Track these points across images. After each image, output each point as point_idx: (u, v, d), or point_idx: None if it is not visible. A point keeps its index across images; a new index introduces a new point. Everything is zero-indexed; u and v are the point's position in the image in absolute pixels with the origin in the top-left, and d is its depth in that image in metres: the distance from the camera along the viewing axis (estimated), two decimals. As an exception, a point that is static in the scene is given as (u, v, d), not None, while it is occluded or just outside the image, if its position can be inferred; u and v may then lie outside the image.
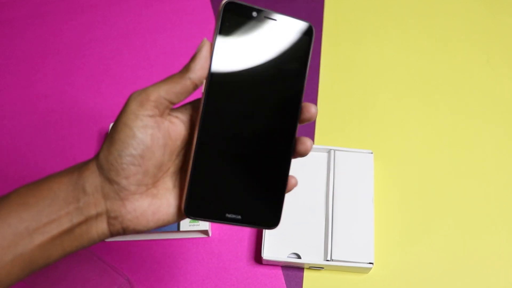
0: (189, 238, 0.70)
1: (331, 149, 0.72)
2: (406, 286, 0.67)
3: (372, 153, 0.72)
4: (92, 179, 0.37)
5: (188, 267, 0.68)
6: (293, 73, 0.39)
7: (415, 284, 0.67)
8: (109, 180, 0.36)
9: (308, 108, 0.39)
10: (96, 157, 0.37)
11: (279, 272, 0.68)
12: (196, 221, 0.68)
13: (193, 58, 0.37)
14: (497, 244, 0.69)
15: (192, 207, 0.38)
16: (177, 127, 0.38)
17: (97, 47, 0.87)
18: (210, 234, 0.70)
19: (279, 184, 0.40)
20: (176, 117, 0.39)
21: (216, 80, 0.38)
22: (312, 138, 0.77)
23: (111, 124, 0.75)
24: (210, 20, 0.88)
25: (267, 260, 0.66)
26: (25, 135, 0.79)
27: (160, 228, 0.67)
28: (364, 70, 0.83)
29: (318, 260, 0.67)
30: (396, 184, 0.73)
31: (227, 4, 0.38)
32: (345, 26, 0.87)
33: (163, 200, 0.38)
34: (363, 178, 0.70)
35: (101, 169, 0.36)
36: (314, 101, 0.80)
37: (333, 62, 0.84)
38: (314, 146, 0.73)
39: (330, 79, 0.82)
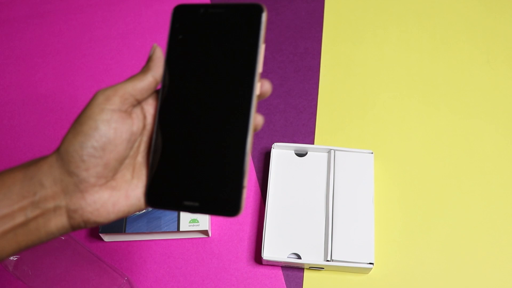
0: (189, 238, 0.70)
1: (331, 149, 0.72)
2: (406, 286, 0.67)
3: (372, 153, 0.72)
4: (50, 172, 0.36)
5: (188, 267, 0.68)
6: (244, 56, 0.39)
7: (415, 284, 0.67)
8: (69, 172, 0.36)
9: (261, 84, 0.40)
10: (58, 149, 0.37)
11: (279, 272, 0.68)
12: (196, 221, 0.68)
13: (150, 59, 0.40)
14: (497, 245, 0.69)
15: (152, 196, 0.40)
16: (139, 121, 0.40)
17: (97, 47, 0.87)
18: (210, 234, 0.70)
19: (237, 169, 0.38)
20: (139, 112, 0.40)
21: (170, 76, 0.41)
22: (312, 138, 0.77)
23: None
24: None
25: (267, 260, 0.66)
26: (25, 135, 0.79)
27: (161, 228, 0.67)
28: (364, 70, 0.83)
29: (318, 260, 0.67)
30: (396, 184, 0.73)
31: (175, 8, 0.41)
32: (345, 26, 0.87)
33: (122, 191, 0.39)
34: (363, 178, 0.70)
35: (61, 161, 0.36)
36: (314, 101, 0.80)
37: (333, 62, 0.84)
38: (314, 146, 0.73)
39: (330, 79, 0.82)
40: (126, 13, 0.90)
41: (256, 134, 0.78)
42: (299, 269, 0.68)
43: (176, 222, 0.68)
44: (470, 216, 0.71)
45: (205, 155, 0.39)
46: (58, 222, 0.37)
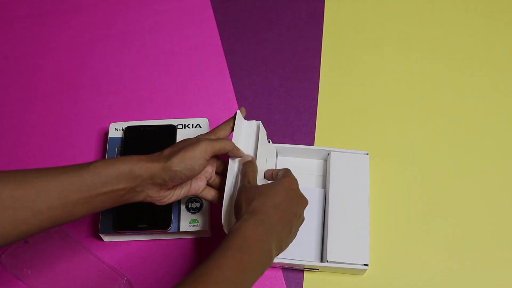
0: (189, 238, 0.71)
1: (326, 150, 0.72)
2: (401, 287, 0.67)
3: (367, 154, 0.71)
4: (157, 175, 0.57)
5: (188, 267, 0.69)
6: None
7: (410, 285, 0.67)
8: (164, 180, 0.57)
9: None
10: (165, 165, 0.56)
11: (279, 273, 0.68)
12: (196, 221, 0.68)
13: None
14: (496, 247, 0.69)
15: (118, 225, 0.67)
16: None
17: (97, 47, 0.87)
18: (210, 234, 0.70)
19: (167, 207, 0.67)
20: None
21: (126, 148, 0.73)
22: (312, 138, 0.77)
23: (111, 124, 0.75)
24: (210, 20, 0.88)
25: (266, 261, 0.66)
26: (25, 135, 0.79)
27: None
28: (364, 70, 0.83)
29: (313, 261, 0.66)
30: (392, 185, 0.73)
31: (126, 128, 0.74)
32: (345, 26, 0.87)
33: (175, 193, 0.61)
34: (359, 179, 0.70)
35: (165, 172, 0.57)
36: (314, 101, 0.80)
37: (333, 62, 0.84)
38: (310, 147, 0.72)
39: (330, 79, 0.82)
40: (126, 13, 0.90)
41: (256, 135, 0.78)
42: (299, 270, 0.68)
43: (177, 222, 0.68)
44: (466, 218, 0.71)
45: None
46: (136, 199, 0.57)
